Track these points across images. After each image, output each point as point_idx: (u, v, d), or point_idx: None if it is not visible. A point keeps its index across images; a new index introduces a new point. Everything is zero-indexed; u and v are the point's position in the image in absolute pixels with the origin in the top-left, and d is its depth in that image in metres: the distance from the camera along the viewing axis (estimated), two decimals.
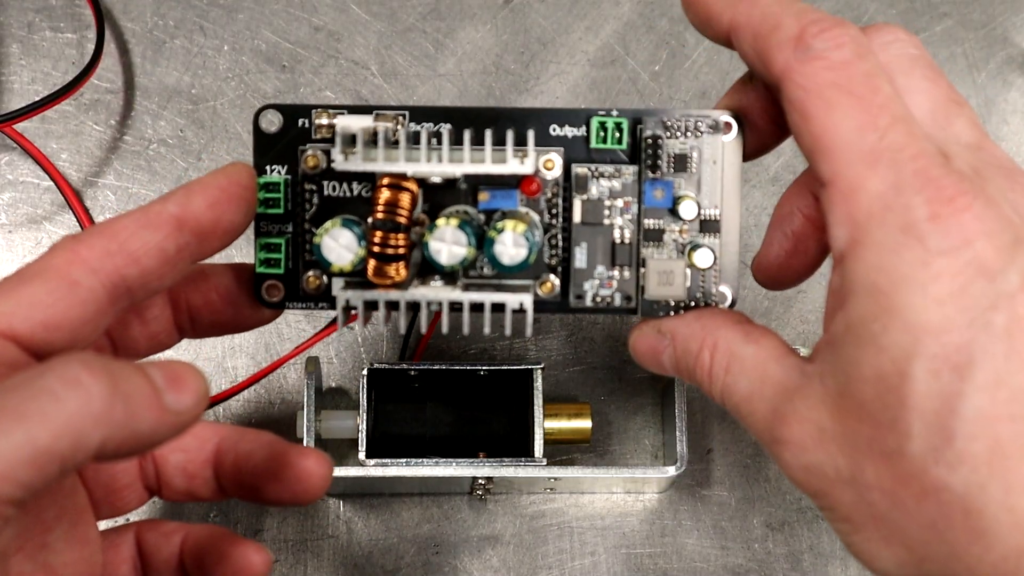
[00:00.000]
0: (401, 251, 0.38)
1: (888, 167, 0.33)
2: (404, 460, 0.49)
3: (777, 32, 0.35)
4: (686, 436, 0.51)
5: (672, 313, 0.41)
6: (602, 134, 0.41)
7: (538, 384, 0.51)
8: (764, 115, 0.40)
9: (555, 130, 0.41)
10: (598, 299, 0.41)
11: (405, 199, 0.39)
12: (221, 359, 0.55)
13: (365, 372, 0.50)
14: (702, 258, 0.41)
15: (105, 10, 0.57)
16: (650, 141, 0.40)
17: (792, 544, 0.54)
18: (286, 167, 0.41)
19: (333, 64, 0.58)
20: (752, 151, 0.41)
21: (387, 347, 0.55)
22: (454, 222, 0.38)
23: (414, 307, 0.39)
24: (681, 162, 0.41)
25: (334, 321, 0.50)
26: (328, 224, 0.38)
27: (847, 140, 0.34)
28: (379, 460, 0.49)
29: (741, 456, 0.55)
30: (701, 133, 0.40)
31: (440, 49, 0.59)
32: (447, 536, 0.54)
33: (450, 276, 0.40)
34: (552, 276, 0.41)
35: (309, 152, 0.40)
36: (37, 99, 0.52)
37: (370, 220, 0.39)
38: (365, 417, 0.50)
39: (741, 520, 0.54)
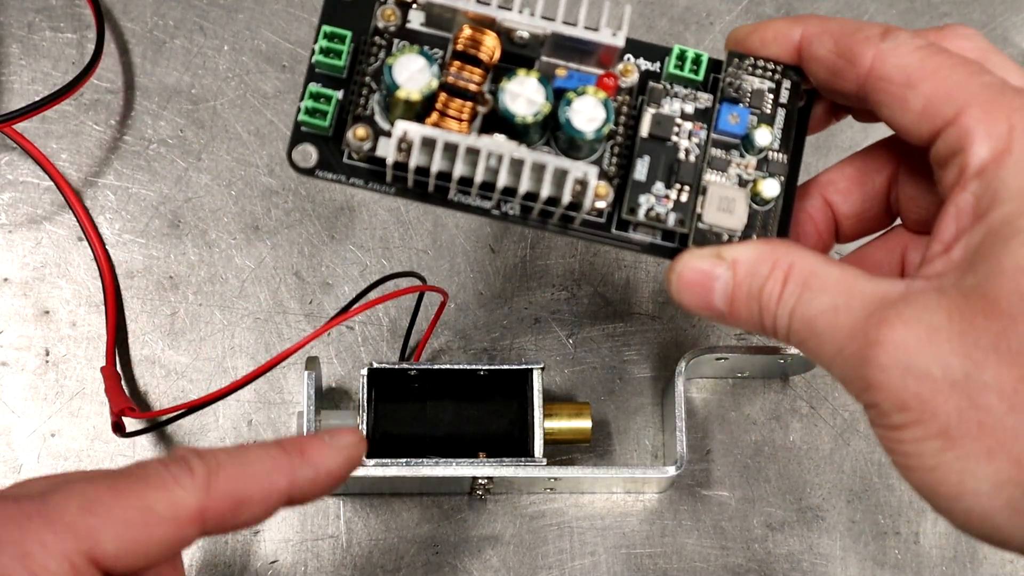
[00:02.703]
0: (474, 88, 0.37)
1: (1014, 92, 0.35)
2: (404, 460, 0.49)
3: (861, 31, 0.38)
4: (686, 436, 0.51)
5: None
6: (679, 63, 0.40)
7: (538, 384, 0.51)
8: (882, 203, 0.42)
9: (629, 60, 0.40)
10: (652, 214, 0.39)
11: (490, 41, 0.37)
12: (221, 359, 0.55)
13: (365, 372, 0.50)
14: (770, 188, 0.39)
15: (105, 10, 0.57)
16: (734, 66, 0.40)
17: (792, 544, 0.54)
18: (351, 34, 0.39)
19: None
20: (855, 234, 0.43)
21: (387, 347, 0.55)
22: (534, 74, 0.37)
23: (466, 182, 0.38)
24: (758, 97, 0.40)
25: (334, 317, 0.50)
26: (405, 48, 0.37)
27: (963, 82, 0.35)
28: (379, 460, 0.49)
29: (741, 456, 0.55)
30: (780, 77, 0.40)
31: None
32: (447, 536, 0.54)
33: (513, 135, 0.38)
34: (608, 182, 0.39)
35: (387, 6, 0.39)
36: (37, 99, 0.52)
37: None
38: (365, 417, 0.50)
39: (741, 520, 0.54)
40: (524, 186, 0.37)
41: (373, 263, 0.56)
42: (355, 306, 0.51)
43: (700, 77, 0.40)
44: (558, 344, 0.56)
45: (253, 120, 0.57)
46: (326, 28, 0.39)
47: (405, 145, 0.37)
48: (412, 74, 0.37)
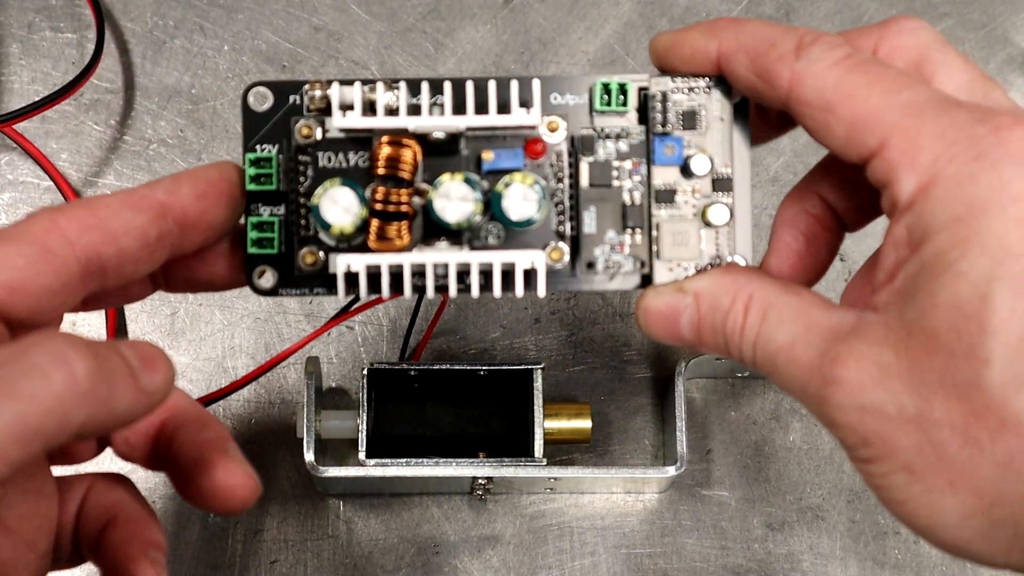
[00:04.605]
0: (404, 208, 0.37)
1: (937, 112, 0.33)
2: (404, 460, 0.49)
3: (774, 49, 0.36)
4: (686, 436, 0.51)
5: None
6: (606, 97, 0.39)
7: (538, 384, 0.51)
8: (852, 195, 0.40)
9: (556, 99, 0.39)
10: (610, 264, 0.39)
11: (407, 154, 0.37)
12: (221, 359, 0.55)
13: (365, 372, 0.50)
14: (717, 214, 0.39)
15: (105, 10, 0.57)
16: (659, 96, 0.39)
17: (792, 544, 0.54)
18: (277, 147, 0.39)
19: (333, 64, 0.58)
20: (860, 223, 0.41)
21: (387, 347, 0.55)
22: (459, 177, 0.37)
23: (419, 274, 0.38)
24: (690, 118, 0.39)
25: (334, 317, 0.50)
26: (327, 184, 0.37)
27: (883, 105, 0.34)
28: (379, 460, 0.49)
29: (741, 456, 0.55)
30: (710, 90, 0.39)
31: (440, 49, 0.59)
32: (447, 536, 0.54)
33: (456, 238, 0.38)
34: (560, 243, 0.39)
35: (302, 122, 0.38)
36: (37, 99, 0.52)
37: (369, 189, 0.38)
38: (365, 417, 0.50)
39: (741, 520, 0.54)
40: (477, 281, 0.38)
41: None
42: (355, 306, 0.51)
43: (629, 107, 0.39)
44: (558, 344, 0.56)
45: None
46: (250, 156, 0.38)
47: (352, 272, 0.37)
48: (340, 208, 0.37)
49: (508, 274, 0.38)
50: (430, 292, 0.38)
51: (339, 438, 0.52)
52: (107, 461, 0.39)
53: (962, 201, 0.32)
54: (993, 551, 0.32)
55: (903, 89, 0.34)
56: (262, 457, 0.54)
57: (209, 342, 0.55)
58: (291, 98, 0.39)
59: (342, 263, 0.37)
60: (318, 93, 0.38)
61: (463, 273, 0.38)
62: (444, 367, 0.51)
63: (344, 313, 0.51)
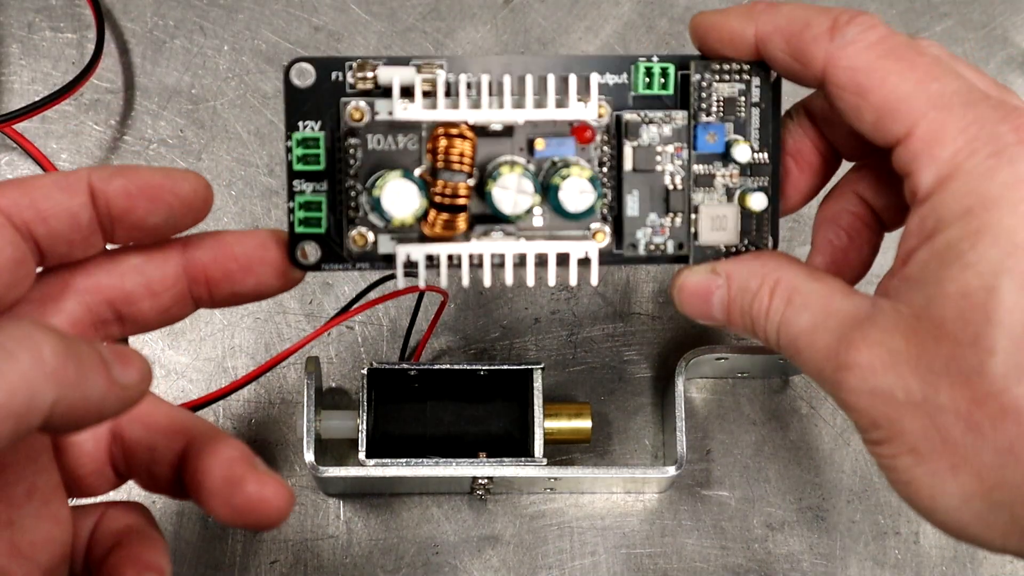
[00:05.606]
0: (463, 201, 0.38)
1: (963, 107, 0.34)
2: (404, 460, 0.49)
3: (809, 29, 0.37)
4: (686, 436, 0.51)
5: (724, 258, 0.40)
6: (647, 79, 0.40)
7: (538, 384, 0.51)
8: (812, 151, 0.41)
9: (596, 79, 0.39)
10: (651, 247, 0.40)
11: (467, 147, 0.38)
12: (221, 359, 0.55)
13: (365, 372, 0.50)
14: (757, 201, 0.40)
15: (105, 10, 0.57)
16: (702, 84, 0.40)
17: (792, 544, 0.54)
18: (319, 123, 0.39)
19: None
20: (803, 192, 0.42)
21: (387, 347, 0.55)
22: (518, 169, 0.38)
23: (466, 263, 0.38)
24: (731, 105, 0.40)
25: (334, 317, 0.50)
26: (388, 175, 0.37)
27: (912, 94, 0.35)
28: (379, 460, 0.49)
29: (741, 456, 0.55)
30: (749, 76, 0.40)
31: (440, 49, 0.59)
32: (447, 536, 0.54)
33: (509, 225, 0.39)
34: (604, 225, 0.40)
35: (352, 104, 0.39)
36: (37, 99, 0.52)
37: (418, 171, 0.38)
38: (365, 417, 0.50)
39: (741, 520, 0.54)
40: (532, 271, 0.39)
41: None
42: (355, 306, 0.51)
43: (671, 91, 0.40)
44: (558, 344, 0.56)
45: (253, 120, 0.57)
46: (297, 136, 0.39)
47: (411, 261, 0.38)
48: (401, 200, 0.37)
49: (554, 261, 0.39)
50: (487, 280, 0.39)
51: (339, 438, 0.52)
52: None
53: (977, 195, 0.33)
54: (991, 534, 0.33)
55: (933, 80, 0.35)
56: (262, 457, 0.54)
57: (209, 342, 0.55)
58: (333, 74, 0.39)
59: (401, 253, 0.38)
60: (369, 74, 0.38)
61: (520, 253, 0.39)
62: (444, 367, 0.51)
63: (344, 313, 0.51)
